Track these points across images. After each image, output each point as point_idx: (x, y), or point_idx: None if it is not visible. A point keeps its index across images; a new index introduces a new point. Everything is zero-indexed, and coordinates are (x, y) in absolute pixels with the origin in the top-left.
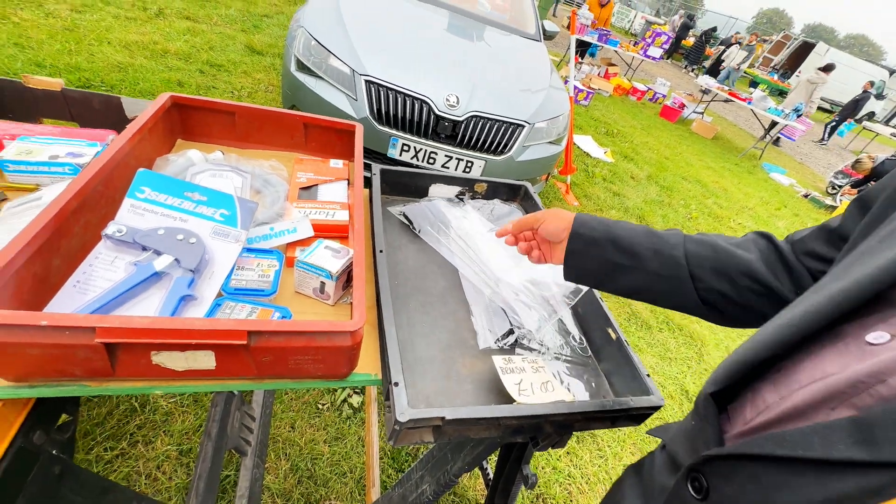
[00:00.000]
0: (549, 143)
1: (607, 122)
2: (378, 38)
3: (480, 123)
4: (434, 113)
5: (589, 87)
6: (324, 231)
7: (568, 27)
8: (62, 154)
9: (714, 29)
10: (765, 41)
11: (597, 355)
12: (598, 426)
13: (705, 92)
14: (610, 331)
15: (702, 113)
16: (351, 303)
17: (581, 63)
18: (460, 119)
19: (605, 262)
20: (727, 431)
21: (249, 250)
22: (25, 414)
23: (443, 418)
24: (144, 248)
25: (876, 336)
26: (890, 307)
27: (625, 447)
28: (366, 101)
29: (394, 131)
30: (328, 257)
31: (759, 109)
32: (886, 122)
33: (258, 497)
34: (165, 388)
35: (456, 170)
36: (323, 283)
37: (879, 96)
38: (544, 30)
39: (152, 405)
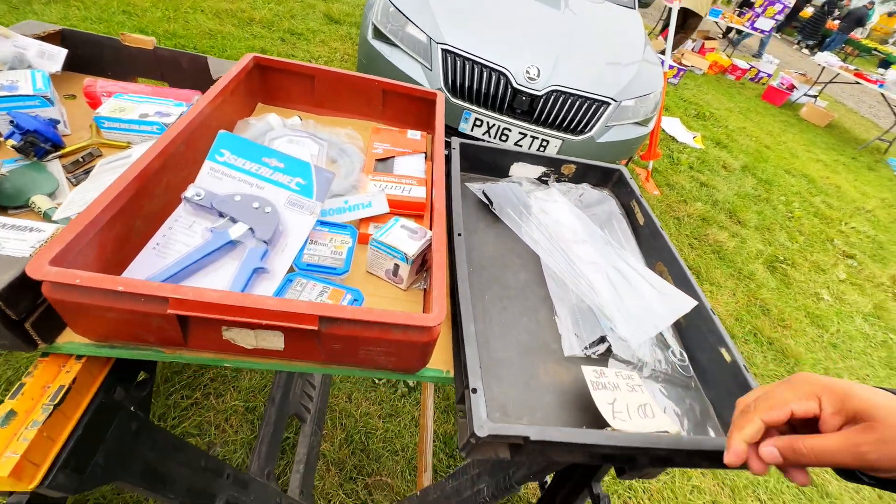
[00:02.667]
0: (636, 123)
1: (698, 104)
2: (458, 5)
3: (561, 99)
4: (512, 86)
5: (680, 64)
6: (399, 208)
7: None
8: (151, 113)
9: None
10: None
11: (701, 377)
12: (704, 465)
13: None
14: (724, 351)
15: (815, 96)
16: (425, 290)
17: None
18: (539, 93)
19: None
20: None
21: (322, 223)
22: (107, 371)
23: (526, 438)
24: (221, 214)
25: None
26: None
27: None
28: (441, 72)
29: (467, 105)
30: (405, 238)
31: (891, 94)
32: None
33: (314, 462)
34: (234, 363)
35: (530, 148)
36: (397, 266)
37: None
38: None
39: None
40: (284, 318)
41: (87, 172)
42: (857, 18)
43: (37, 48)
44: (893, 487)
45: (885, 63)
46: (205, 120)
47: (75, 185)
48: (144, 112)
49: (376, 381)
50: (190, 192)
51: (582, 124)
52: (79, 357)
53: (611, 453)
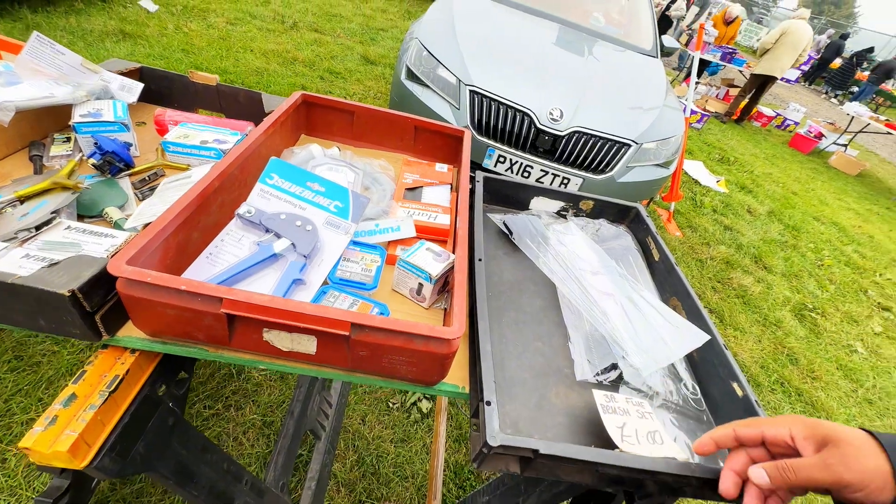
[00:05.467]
0: (657, 165)
1: (723, 149)
2: (487, 50)
3: (583, 140)
4: (535, 126)
5: (704, 110)
6: (425, 233)
7: (687, 44)
8: (210, 140)
9: (870, 50)
10: None
11: (713, 411)
12: (714, 497)
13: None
14: (735, 386)
15: (845, 145)
16: (445, 309)
17: (698, 83)
18: (562, 134)
19: None
20: None
21: (355, 243)
22: (154, 366)
23: (536, 451)
24: (267, 230)
25: None
26: None
27: None
28: (468, 111)
29: (492, 142)
30: (429, 259)
31: None
32: None
33: (326, 481)
34: (268, 365)
35: (551, 185)
36: (421, 285)
37: None
38: (662, 45)
39: (247, 374)
40: (320, 322)
41: (153, 189)
42: (887, 70)
43: (119, 82)
44: None
45: None
46: (257, 148)
47: (142, 200)
48: (205, 139)
49: (390, 405)
50: (242, 209)
51: (603, 164)
52: (133, 351)
53: (618, 475)
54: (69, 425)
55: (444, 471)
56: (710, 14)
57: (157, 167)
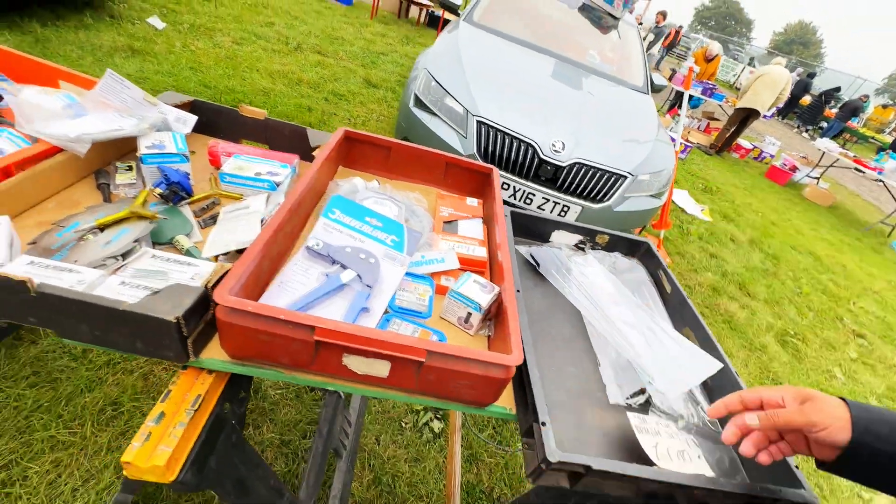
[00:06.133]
0: (650, 196)
1: (705, 178)
2: (492, 82)
3: (583, 171)
4: (538, 156)
5: (687, 141)
6: (465, 264)
7: (670, 79)
8: (263, 172)
9: (837, 89)
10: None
11: None
12: None
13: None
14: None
15: (818, 178)
16: (489, 336)
17: (680, 115)
18: (563, 164)
19: None
20: None
21: (407, 274)
22: (223, 386)
23: (588, 467)
24: (333, 262)
25: None
26: None
27: None
28: (475, 140)
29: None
30: (477, 291)
31: (891, 181)
32: None
33: (346, 499)
34: (338, 386)
35: (551, 213)
36: (469, 314)
37: None
38: (652, 82)
39: (263, 392)
40: (400, 349)
41: (213, 218)
42: (853, 109)
43: (175, 114)
44: (843, 472)
45: (883, 149)
46: (314, 183)
47: (203, 228)
48: (258, 171)
49: (402, 425)
50: (311, 242)
51: (601, 194)
52: (210, 371)
53: (655, 490)
54: (161, 441)
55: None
56: (689, 50)
57: (213, 196)
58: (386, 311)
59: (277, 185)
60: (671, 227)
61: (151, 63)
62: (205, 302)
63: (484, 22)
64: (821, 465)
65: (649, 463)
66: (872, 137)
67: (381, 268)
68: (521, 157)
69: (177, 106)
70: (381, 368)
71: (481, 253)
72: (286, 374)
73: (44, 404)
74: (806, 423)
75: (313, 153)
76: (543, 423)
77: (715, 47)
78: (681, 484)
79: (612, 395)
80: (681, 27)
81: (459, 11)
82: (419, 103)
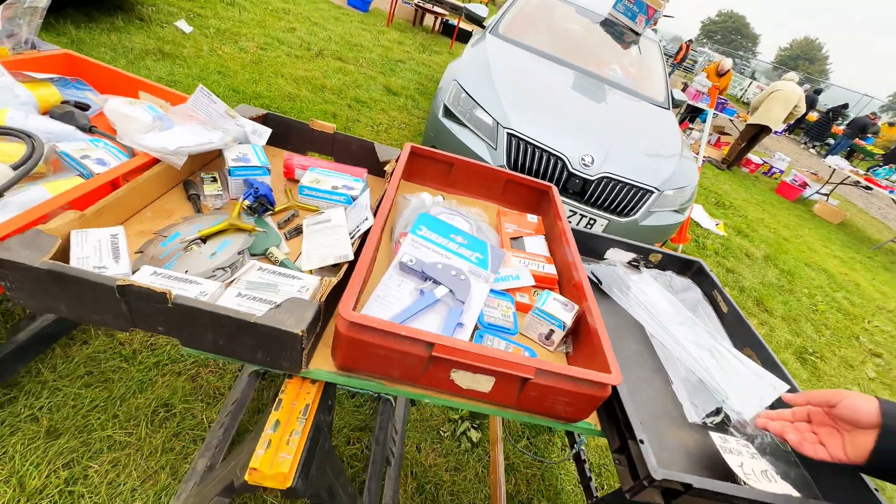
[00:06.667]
0: (674, 211)
1: (718, 193)
2: (521, 95)
3: (611, 185)
4: (568, 170)
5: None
6: (538, 281)
7: (683, 92)
8: (340, 185)
9: (845, 106)
10: None
11: (802, 460)
12: None
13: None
14: None
15: (827, 195)
16: (567, 352)
17: (692, 129)
18: (592, 178)
19: None
20: None
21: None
22: (320, 395)
23: (689, 485)
24: (426, 278)
25: None
26: None
27: None
28: (504, 152)
29: None
30: (559, 308)
31: None
32: None
33: None
34: (436, 400)
35: (578, 225)
36: (552, 331)
37: None
38: (673, 98)
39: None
40: (509, 366)
41: (297, 230)
42: (861, 126)
43: (251, 127)
44: (879, 469)
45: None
46: (393, 199)
47: (288, 240)
48: (335, 185)
49: (441, 434)
50: (405, 258)
51: (628, 208)
52: (313, 381)
53: None
54: (280, 448)
55: None
56: (696, 63)
57: (293, 208)
58: (476, 328)
59: (353, 199)
60: (689, 241)
61: (181, 66)
62: (319, 316)
63: (509, 34)
64: (857, 469)
65: (737, 482)
66: (880, 155)
67: (471, 285)
68: (550, 170)
69: (251, 118)
70: (486, 384)
71: (551, 270)
72: (389, 385)
73: (99, 404)
74: (834, 394)
75: (385, 168)
76: (642, 441)
77: (727, 62)
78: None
79: (689, 414)
80: (691, 41)
81: (484, 24)
82: (448, 114)
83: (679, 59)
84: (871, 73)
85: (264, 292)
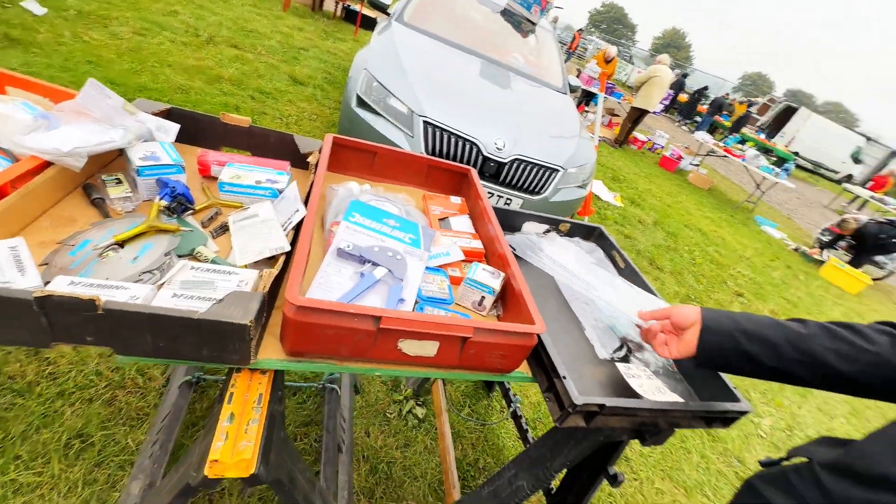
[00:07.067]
0: (578, 186)
1: (613, 169)
2: (432, 83)
3: (522, 166)
4: (482, 154)
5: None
6: (467, 255)
7: (577, 77)
8: (263, 180)
9: (706, 88)
10: (752, 103)
11: (683, 373)
12: (698, 425)
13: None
14: None
15: (698, 165)
16: (498, 315)
17: (587, 112)
18: (505, 161)
19: (741, 353)
20: None
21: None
22: (271, 384)
23: (603, 405)
24: (364, 261)
25: None
26: None
27: (653, 469)
28: (422, 140)
29: None
30: (488, 276)
31: (752, 166)
32: (863, 185)
33: (352, 490)
34: (384, 371)
35: (496, 205)
36: (483, 297)
37: (857, 160)
38: (569, 84)
39: None
40: (451, 328)
41: (223, 228)
42: (719, 105)
43: (155, 123)
44: (704, 362)
45: (743, 141)
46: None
47: (215, 238)
48: (258, 179)
49: (388, 416)
50: (343, 244)
51: (539, 187)
52: (263, 372)
53: (645, 419)
54: (239, 438)
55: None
56: (587, 51)
57: (214, 206)
58: (416, 302)
59: (280, 192)
60: (593, 213)
61: (37, 56)
62: (264, 306)
63: (415, 22)
64: (695, 363)
65: (639, 398)
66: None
67: (407, 263)
68: (465, 155)
69: (154, 114)
70: (431, 349)
71: (478, 245)
72: (339, 364)
73: None
74: (670, 308)
75: (308, 160)
76: (565, 377)
77: (612, 50)
78: (664, 409)
79: (599, 352)
80: (581, 30)
81: (389, 11)
82: (362, 103)
83: (573, 48)
84: (724, 59)
85: (202, 290)
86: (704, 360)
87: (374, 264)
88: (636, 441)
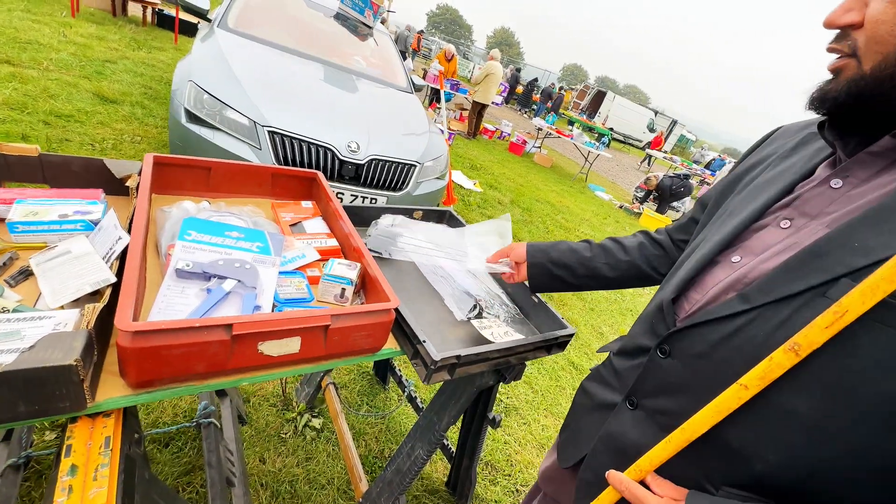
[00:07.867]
0: (436, 178)
1: (470, 158)
2: (271, 90)
3: (380, 165)
4: (338, 158)
5: (449, 129)
6: (324, 254)
7: (423, 78)
8: (70, 213)
9: (536, 79)
10: (572, 89)
11: (527, 316)
12: (541, 354)
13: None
14: (534, 298)
15: (539, 147)
16: (362, 303)
17: (439, 108)
18: (362, 162)
19: (553, 277)
20: (677, 318)
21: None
22: (122, 426)
23: (459, 356)
24: (209, 277)
25: (735, 258)
26: (739, 243)
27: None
28: (270, 151)
29: None
30: (345, 269)
31: (579, 143)
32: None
33: None
34: (251, 379)
35: (362, 204)
36: (343, 289)
37: (651, 129)
38: (413, 83)
39: None
40: (309, 321)
41: (23, 272)
42: (548, 94)
43: None
44: (538, 285)
45: (571, 122)
46: (146, 214)
47: (13, 287)
48: (63, 213)
49: (283, 436)
50: (180, 264)
51: (399, 182)
52: (107, 414)
53: (498, 360)
54: (87, 487)
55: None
56: (431, 51)
57: (7, 251)
58: (274, 306)
59: (96, 224)
60: (457, 201)
61: None
62: (91, 344)
63: (241, 28)
64: (532, 288)
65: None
66: (562, 113)
67: (258, 271)
68: (321, 161)
69: None
70: (294, 345)
71: (333, 243)
72: (199, 384)
73: None
74: (510, 247)
75: (126, 184)
76: (424, 341)
77: (451, 49)
78: (509, 347)
79: (457, 315)
80: (422, 31)
81: (209, 16)
82: (193, 118)
83: (417, 48)
84: (549, 54)
85: (6, 343)
86: (534, 285)
87: (222, 278)
88: (524, 394)
